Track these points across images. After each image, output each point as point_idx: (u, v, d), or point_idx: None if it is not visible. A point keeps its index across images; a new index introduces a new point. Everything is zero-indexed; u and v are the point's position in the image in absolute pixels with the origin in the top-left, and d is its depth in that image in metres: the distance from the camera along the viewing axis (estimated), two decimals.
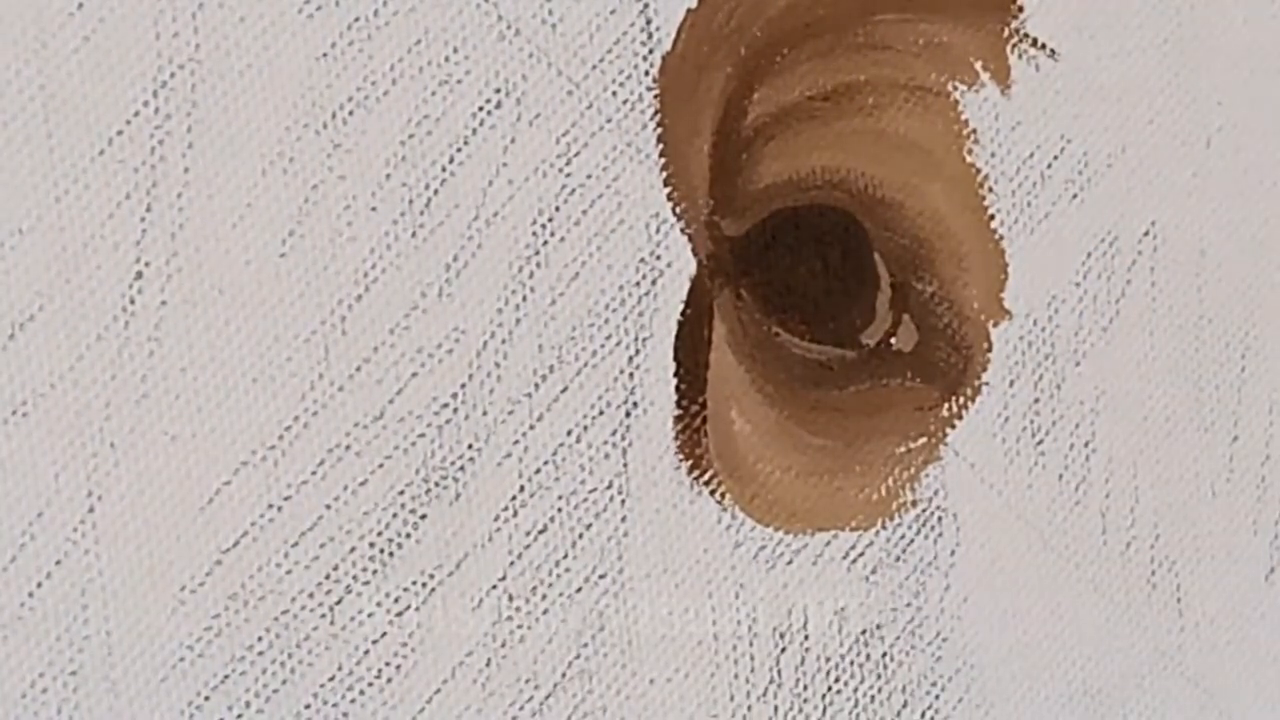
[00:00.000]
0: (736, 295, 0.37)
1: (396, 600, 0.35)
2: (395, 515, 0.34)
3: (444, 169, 0.34)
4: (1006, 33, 0.38)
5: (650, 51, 0.36)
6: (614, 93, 0.35)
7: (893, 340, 0.38)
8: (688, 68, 0.36)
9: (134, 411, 0.33)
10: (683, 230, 0.36)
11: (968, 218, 0.38)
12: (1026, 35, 0.38)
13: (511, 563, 0.35)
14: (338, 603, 0.34)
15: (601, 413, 0.36)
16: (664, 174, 0.36)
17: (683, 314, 0.36)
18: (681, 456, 0.36)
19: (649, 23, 0.36)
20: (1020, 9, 0.38)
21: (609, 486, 0.36)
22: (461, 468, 0.35)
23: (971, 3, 0.38)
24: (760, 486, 0.37)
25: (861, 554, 0.38)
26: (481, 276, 0.35)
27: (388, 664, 0.35)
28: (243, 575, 0.34)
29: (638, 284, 0.36)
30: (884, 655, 0.38)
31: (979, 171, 0.38)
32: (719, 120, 0.36)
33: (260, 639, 0.34)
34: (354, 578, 0.34)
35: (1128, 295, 0.39)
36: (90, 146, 0.32)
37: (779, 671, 0.37)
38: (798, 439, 0.37)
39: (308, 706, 0.34)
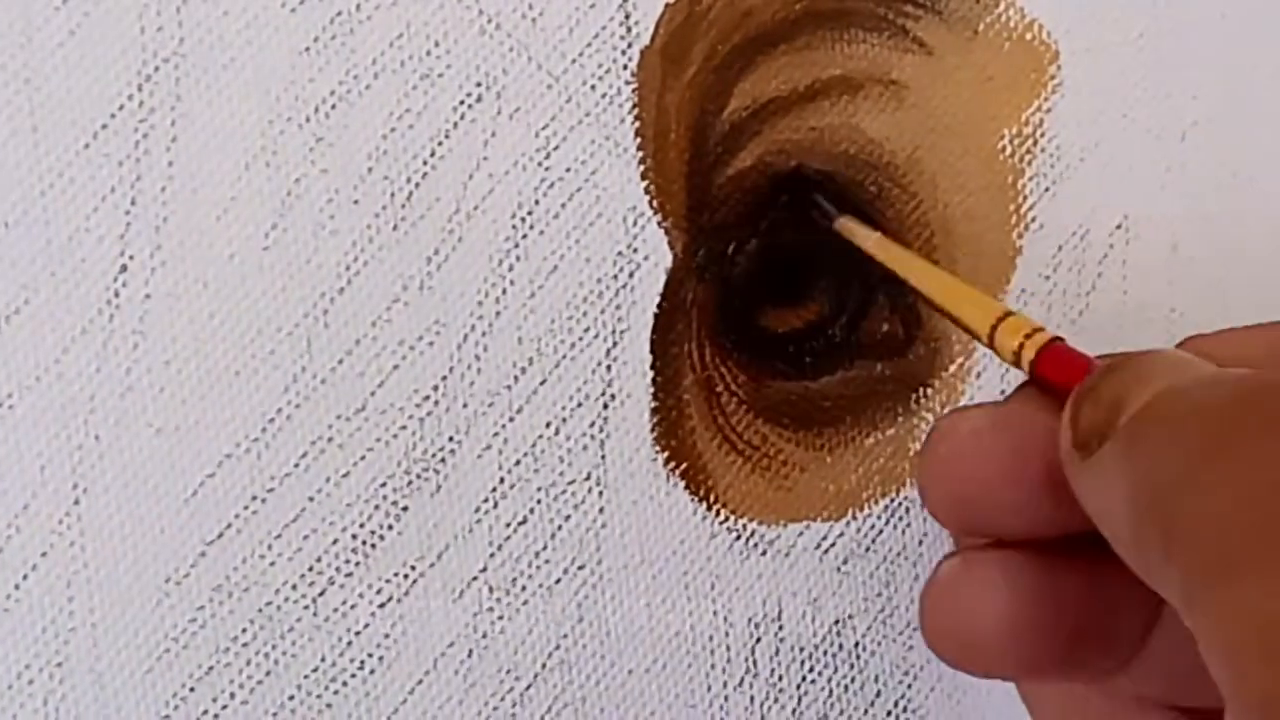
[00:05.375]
0: (712, 288, 0.37)
1: (379, 591, 0.35)
2: (377, 507, 0.35)
3: (425, 162, 0.34)
4: (982, 28, 0.38)
5: (629, 46, 0.36)
6: (593, 86, 0.35)
7: (864, 332, 0.38)
8: (666, 62, 0.36)
9: (119, 404, 0.33)
10: (660, 224, 0.36)
11: (940, 211, 0.38)
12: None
13: (492, 554, 0.35)
14: (321, 594, 0.34)
15: (580, 405, 0.36)
16: (641, 168, 0.36)
17: (659, 307, 0.36)
18: (658, 448, 0.37)
19: (628, 17, 0.36)
20: (996, 4, 0.38)
21: (587, 478, 0.36)
22: (442, 460, 0.35)
23: None
24: (735, 478, 0.37)
25: (833, 544, 0.38)
26: (461, 270, 0.35)
27: (370, 655, 0.35)
28: (227, 567, 0.34)
29: (615, 277, 0.36)
30: (856, 645, 0.38)
31: (953, 166, 0.38)
32: (696, 114, 0.36)
33: (244, 630, 0.34)
34: (337, 569, 0.34)
35: (1099, 288, 0.40)
36: (75, 140, 0.32)
37: (754, 661, 0.38)
38: (771, 430, 0.38)
39: (291, 697, 0.34)
